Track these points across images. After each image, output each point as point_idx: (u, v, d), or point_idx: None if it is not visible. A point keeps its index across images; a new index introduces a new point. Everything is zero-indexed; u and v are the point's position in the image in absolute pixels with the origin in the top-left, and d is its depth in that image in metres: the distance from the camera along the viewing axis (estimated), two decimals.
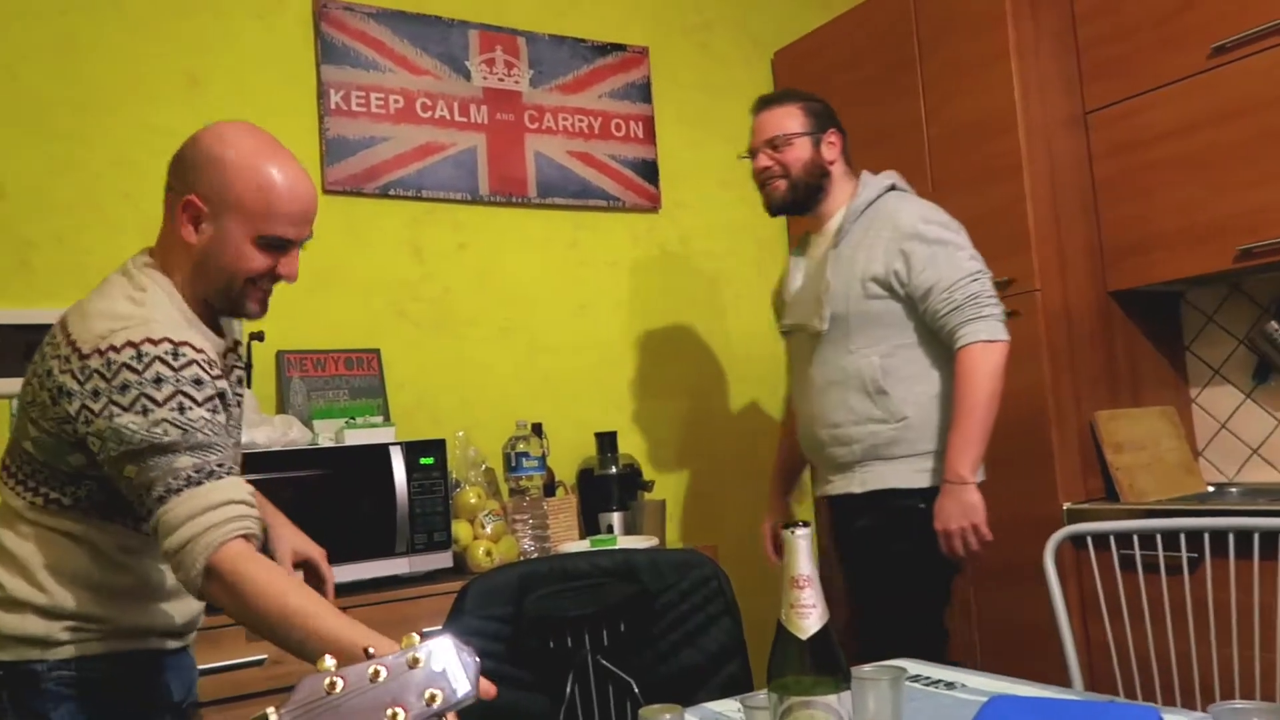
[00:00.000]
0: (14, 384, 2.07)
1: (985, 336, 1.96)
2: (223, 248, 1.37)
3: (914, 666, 1.44)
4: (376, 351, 2.55)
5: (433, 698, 0.82)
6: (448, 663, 0.85)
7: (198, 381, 1.29)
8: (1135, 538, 1.81)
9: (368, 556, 2.06)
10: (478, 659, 0.87)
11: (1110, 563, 1.91)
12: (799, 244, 2.31)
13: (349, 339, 2.55)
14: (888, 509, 2.03)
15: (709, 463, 3.07)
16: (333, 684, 0.80)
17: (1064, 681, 1.67)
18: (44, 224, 2.24)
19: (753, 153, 2.20)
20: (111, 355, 1.28)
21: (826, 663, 0.92)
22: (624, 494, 2.61)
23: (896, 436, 2.03)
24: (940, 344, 2.05)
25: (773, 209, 2.22)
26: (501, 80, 2.84)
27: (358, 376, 2.47)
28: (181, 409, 1.27)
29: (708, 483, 3.06)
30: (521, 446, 2.46)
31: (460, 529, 2.29)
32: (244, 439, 2.01)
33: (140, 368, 1.27)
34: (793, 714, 0.91)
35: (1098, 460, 2.49)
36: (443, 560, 2.14)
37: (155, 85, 2.39)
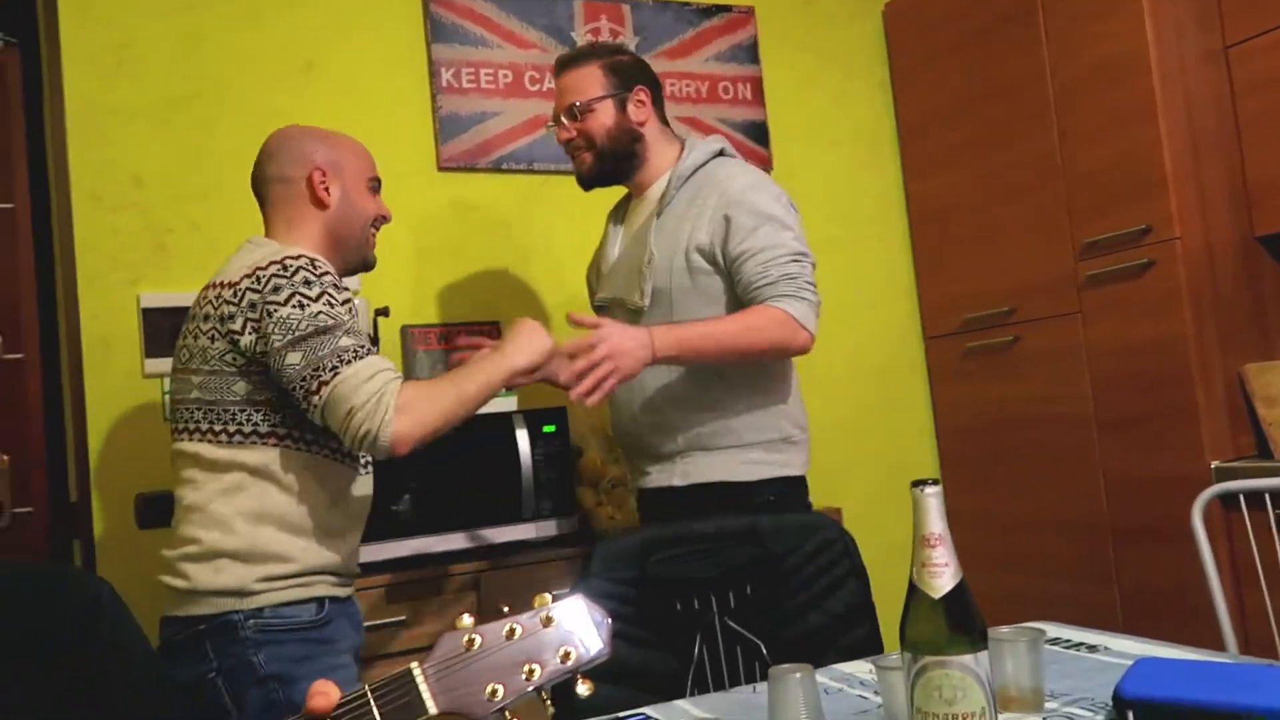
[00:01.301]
0: (161, 364, 2.20)
1: (794, 313, 1.75)
2: (350, 199, 1.67)
3: (1053, 629, 1.40)
4: (496, 323, 2.60)
5: (567, 655, 0.84)
6: (579, 622, 0.86)
7: (337, 287, 1.51)
8: None
9: (495, 522, 2.11)
10: (609, 619, 0.88)
11: (1266, 522, 1.80)
12: (615, 211, 2.10)
13: (469, 312, 2.60)
14: (711, 504, 1.81)
15: (830, 426, 3.02)
16: (471, 641, 0.83)
17: (1214, 645, 1.59)
18: (179, 211, 2.36)
19: (555, 121, 1.97)
20: (259, 273, 1.48)
21: (962, 622, 0.90)
22: None
23: (723, 426, 1.85)
24: None
25: (583, 183, 1.99)
26: None
27: (478, 331, 2.53)
28: (331, 304, 1.48)
29: (829, 446, 3.01)
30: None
31: (584, 494, 2.33)
32: None
33: (288, 274, 1.47)
34: (927, 674, 0.89)
35: (1248, 415, 2.35)
36: (568, 526, 2.18)
37: (273, 72, 2.48)
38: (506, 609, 0.86)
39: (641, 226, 1.96)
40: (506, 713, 0.82)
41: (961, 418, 3.04)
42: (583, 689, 0.84)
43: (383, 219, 1.75)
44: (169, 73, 2.38)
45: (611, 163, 1.95)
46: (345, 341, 1.46)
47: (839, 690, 1.23)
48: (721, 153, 1.96)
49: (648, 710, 1.20)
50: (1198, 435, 2.31)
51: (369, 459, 1.66)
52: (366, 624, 1.92)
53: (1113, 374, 2.52)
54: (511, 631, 0.84)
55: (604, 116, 1.92)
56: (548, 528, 2.15)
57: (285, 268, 1.48)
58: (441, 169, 2.62)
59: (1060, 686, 1.15)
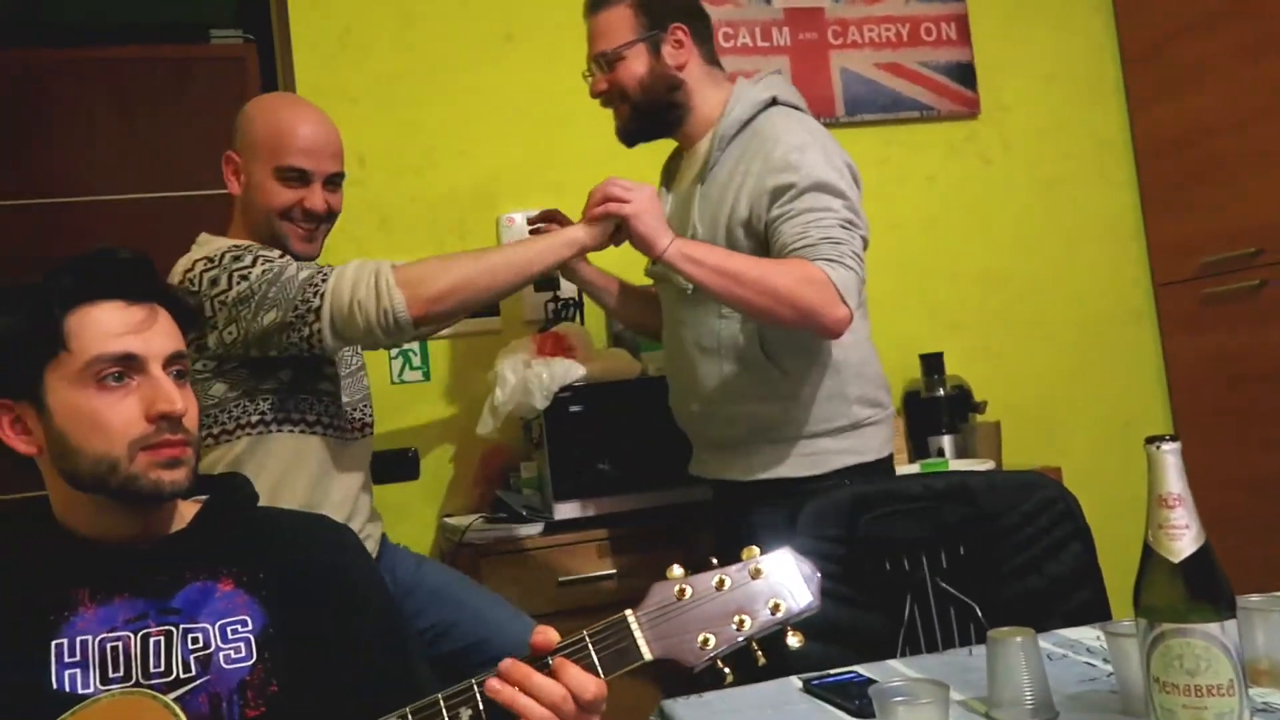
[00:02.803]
0: None
1: (834, 278, 1.49)
2: (253, 189, 1.59)
3: None
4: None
5: (777, 606, 0.85)
6: (788, 575, 0.86)
7: (265, 248, 1.52)
8: None
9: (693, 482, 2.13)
10: (818, 572, 0.88)
11: None
12: (666, 168, 1.89)
13: None
14: (783, 503, 1.58)
15: (1047, 382, 2.86)
16: (682, 591, 0.85)
17: None
18: (397, 187, 2.50)
19: (588, 72, 1.77)
20: (190, 277, 1.50)
21: (1205, 588, 0.83)
22: (954, 417, 2.51)
23: (784, 415, 1.66)
24: None
25: (623, 138, 1.79)
26: None
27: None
28: (269, 261, 1.49)
29: (1047, 403, 2.86)
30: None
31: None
32: (580, 372, 2.14)
33: (216, 263, 1.49)
34: (1165, 642, 0.83)
35: None
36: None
37: (477, 47, 2.57)
38: (715, 560, 0.88)
39: (686, 192, 1.76)
40: (718, 661, 0.84)
41: (1199, 370, 2.79)
42: (794, 640, 0.85)
43: (304, 212, 1.60)
44: (386, 53, 2.52)
45: (649, 116, 1.73)
46: (304, 274, 1.47)
47: (1063, 656, 1.18)
48: (774, 101, 1.70)
49: (860, 668, 1.19)
50: None
51: (359, 418, 1.69)
52: (583, 576, 2.01)
53: None
54: (721, 582, 0.85)
55: (635, 64, 1.70)
56: None
57: (211, 260, 1.50)
58: None
59: None
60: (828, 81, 2.75)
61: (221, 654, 0.92)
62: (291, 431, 1.57)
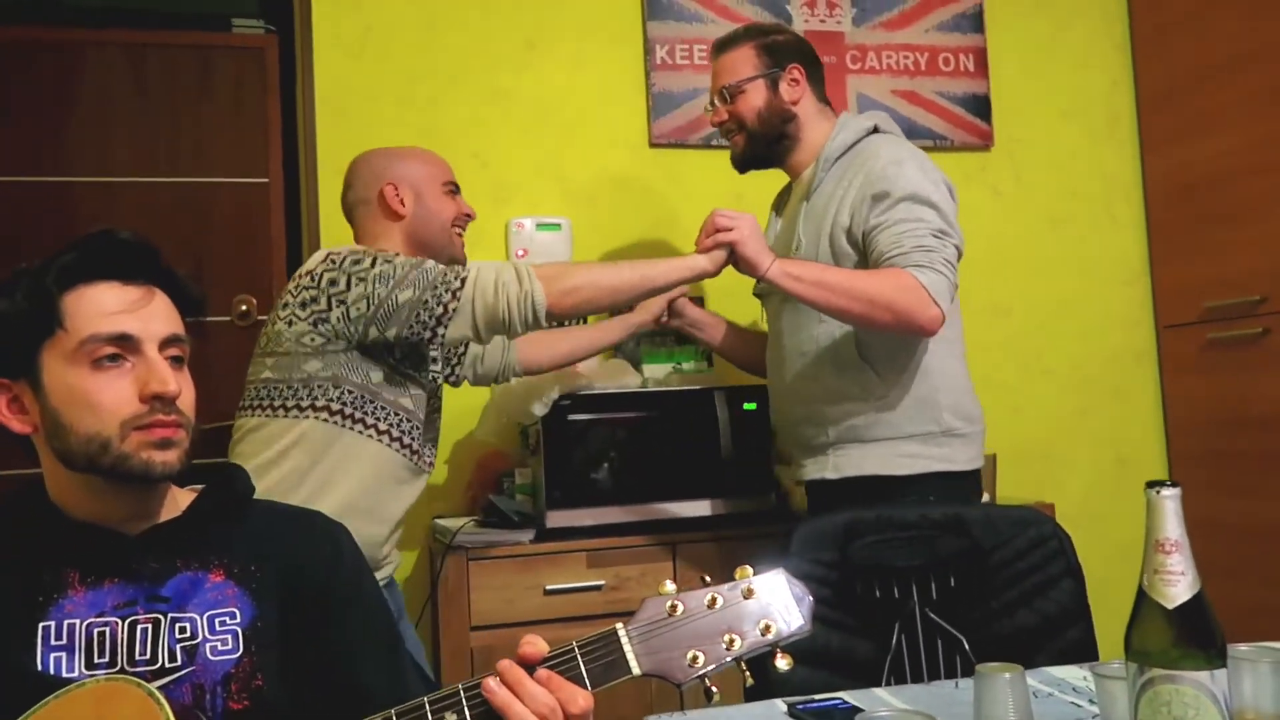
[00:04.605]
0: None
1: (925, 282, 1.62)
2: (426, 206, 1.80)
3: None
4: (700, 299, 2.62)
5: (767, 628, 0.84)
6: (780, 596, 0.86)
7: (412, 257, 1.66)
8: None
9: (692, 496, 2.13)
10: (809, 596, 0.87)
11: None
12: (778, 200, 2.07)
13: None
14: (867, 499, 1.73)
15: (1046, 417, 2.86)
16: (674, 607, 0.85)
17: None
18: None
19: (710, 105, 1.95)
20: (333, 257, 1.64)
21: (1198, 635, 0.83)
22: None
23: (875, 418, 1.77)
24: None
25: (737, 165, 1.98)
26: (823, 21, 2.77)
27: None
28: (415, 258, 1.64)
29: (1044, 438, 2.86)
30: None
31: (782, 473, 2.32)
32: (581, 381, 2.15)
33: (362, 253, 1.64)
34: (1155, 687, 0.83)
35: None
36: (765, 503, 2.17)
37: (497, 50, 2.58)
38: (708, 579, 0.87)
39: (792, 213, 1.92)
40: (706, 680, 0.83)
41: (1198, 414, 2.79)
42: (782, 663, 0.84)
43: (466, 217, 1.85)
44: (406, 54, 2.53)
45: (763, 145, 1.92)
46: (443, 266, 1.61)
47: (1049, 695, 1.17)
48: (876, 129, 1.87)
49: (846, 695, 1.19)
50: None
51: (428, 456, 1.78)
52: (569, 585, 2.01)
53: None
54: (713, 600, 0.85)
55: (754, 98, 1.89)
56: (744, 504, 2.15)
57: (357, 250, 1.64)
58: (653, 145, 2.65)
59: None
60: (844, 105, 2.76)
61: (208, 645, 0.92)
62: (361, 433, 1.65)
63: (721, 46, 1.95)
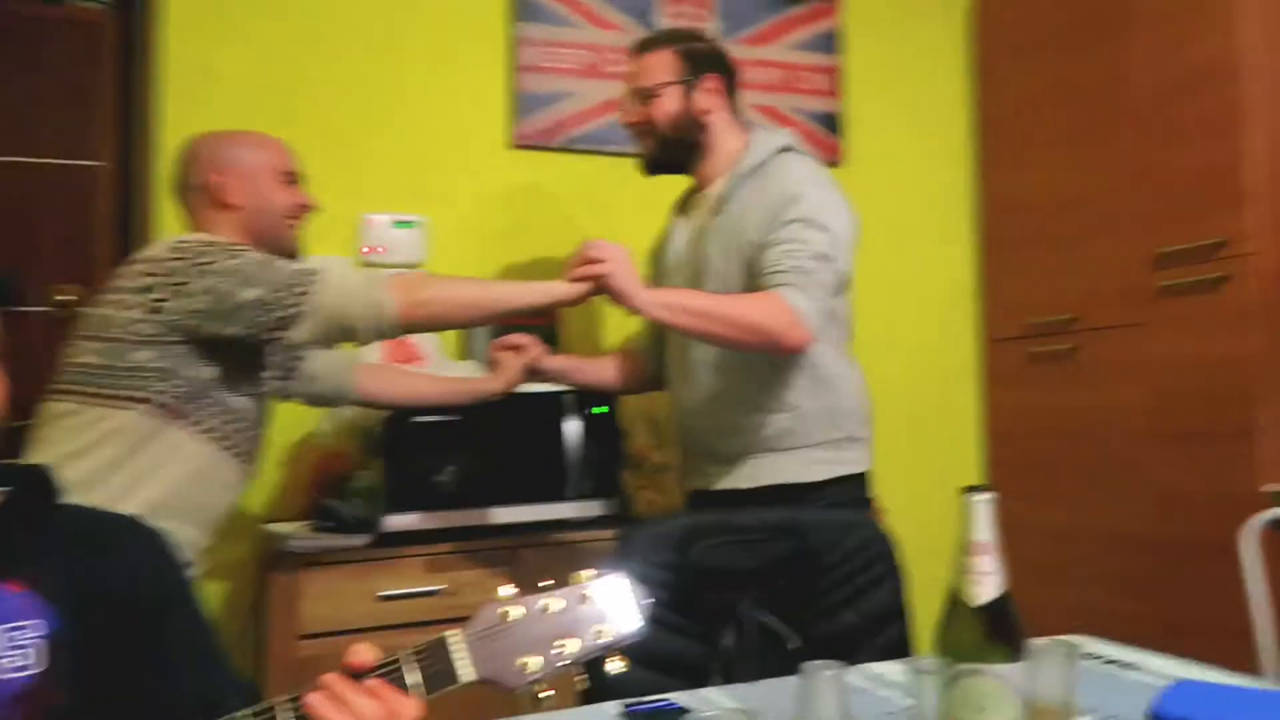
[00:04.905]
0: None
1: (796, 305, 1.67)
2: (261, 196, 1.72)
3: (1090, 644, 1.38)
4: (553, 326, 2.60)
5: (602, 632, 0.86)
6: (617, 601, 0.88)
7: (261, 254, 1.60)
8: None
9: (538, 499, 2.13)
10: (646, 599, 0.89)
11: None
12: (680, 203, 2.07)
13: None
14: (777, 505, 1.77)
15: (878, 425, 2.99)
16: (508, 613, 0.85)
17: (1253, 672, 1.56)
18: None
19: (624, 105, 1.96)
20: (182, 245, 1.58)
21: (1001, 632, 0.89)
22: None
23: (788, 428, 1.83)
24: (834, 324, 1.85)
25: (645, 168, 1.98)
26: None
27: (538, 326, 2.52)
28: (263, 255, 1.58)
29: (878, 445, 2.99)
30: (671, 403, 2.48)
31: (626, 478, 2.34)
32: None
33: (211, 243, 1.58)
34: (961, 681, 0.89)
35: None
36: (610, 507, 2.19)
37: (356, 42, 2.52)
38: (547, 584, 0.88)
39: (701, 226, 1.93)
40: (539, 684, 0.84)
41: (1016, 424, 2.99)
42: (616, 666, 0.86)
43: (301, 209, 1.79)
44: (261, 37, 2.43)
45: (674, 150, 1.92)
46: (294, 266, 1.57)
47: (868, 690, 1.23)
48: (787, 148, 1.90)
49: (676, 696, 1.22)
50: (1253, 457, 2.25)
51: (255, 462, 1.74)
52: (405, 590, 1.97)
53: (1174, 389, 2.46)
54: (549, 606, 0.86)
55: (669, 103, 1.89)
56: (590, 508, 2.16)
57: (206, 241, 1.60)
58: (515, 146, 2.64)
59: (1093, 703, 1.13)
60: None
61: (2, 660, 0.85)
62: (186, 430, 1.58)
63: (641, 48, 1.95)
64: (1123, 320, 2.60)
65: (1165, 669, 1.26)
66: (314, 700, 0.78)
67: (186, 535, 1.60)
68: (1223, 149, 2.33)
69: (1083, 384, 2.72)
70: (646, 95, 1.90)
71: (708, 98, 1.91)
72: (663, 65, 1.90)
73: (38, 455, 1.55)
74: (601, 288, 1.66)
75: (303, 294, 1.52)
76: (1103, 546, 2.62)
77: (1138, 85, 2.56)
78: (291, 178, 1.79)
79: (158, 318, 1.54)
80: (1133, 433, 2.55)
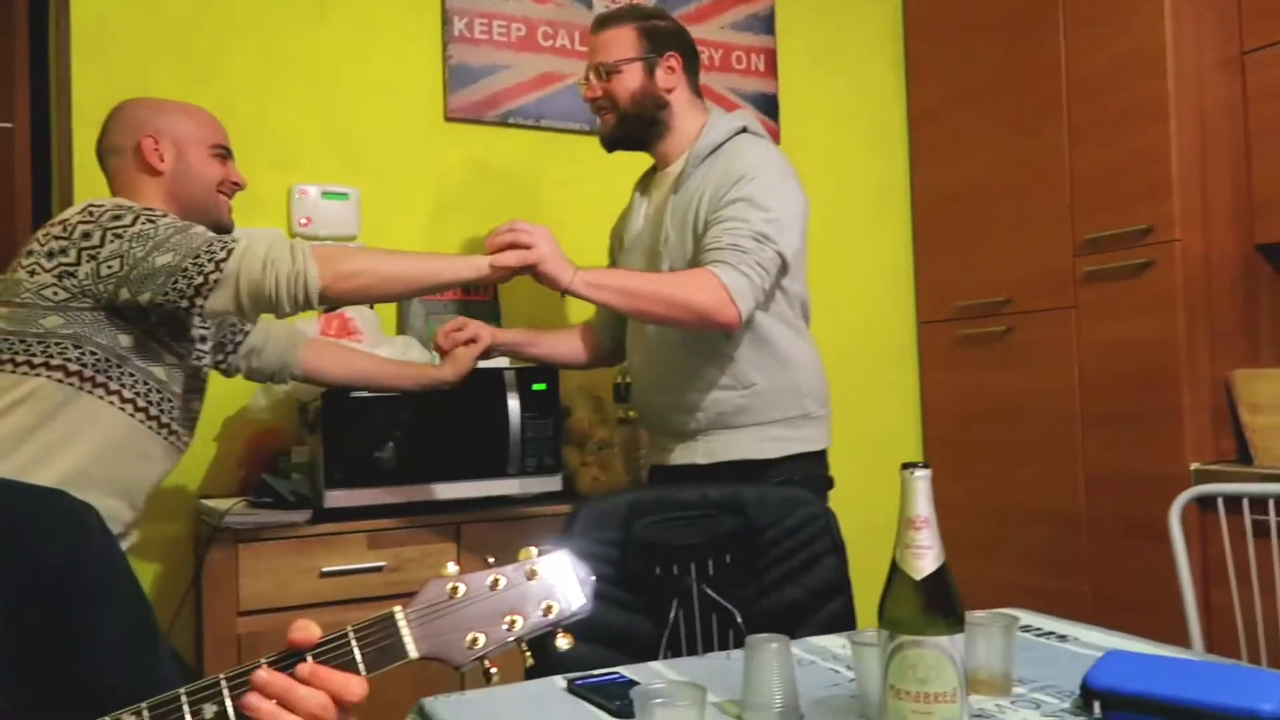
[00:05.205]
0: None
1: (727, 283, 1.68)
2: (188, 165, 1.69)
3: (1026, 617, 1.41)
4: (496, 299, 2.58)
5: (549, 608, 0.85)
6: (563, 578, 0.87)
7: (180, 220, 1.55)
8: (1271, 502, 1.72)
9: (480, 476, 2.11)
10: (592, 576, 0.89)
11: (1241, 526, 1.83)
12: (642, 181, 2.07)
13: None
14: (733, 482, 1.75)
15: None
16: (455, 589, 0.83)
17: (1181, 643, 1.62)
18: None
19: (585, 79, 1.95)
20: (93, 209, 1.53)
21: (940, 604, 0.91)
22: None
23: (744, 405, 1.85)
24: (789, 305, 1.88)
25: (605, 144, 1.97)
26: None
27: (475, 302, 2.51)
28: (180, 219, 1.54)
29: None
30: (630, 378, 2.48)
31: (570, 454, 2.34)
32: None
33: (126, 208, 1.53)
34: (902, 652, 0.91)
35: (1231, 421, 2.37)
36: (552, 484, 2.18)
37: (286, 9, 2.45)
38: (492, 560, 0.87)
39: (660, 203, 1.94)
40: (485, 661, 0.83)
41: (950, 404, 3.06)
42: (562, 642, 0.85)
43: (234, 185, 1.76)
44: (182, 3, 2.34)
45: (634, 127, 1.92)
46: (211, 234, 1.53)
47: (811, 662, 1.25)
48: (744, 130, 1.90)
49: (623, 669, 1.22)
50: (1180, 436, 2.33)
51: (184, 435, 1.70)
52: (347, 567, 1.95)
53: (1102, 371, 2.53)
54: (495, 582, 0.85)
55: (630, 79, 1.89)
56: (532, 484, 2.15)
57: (121, 205, 1.54)
58: (449, 119, 2.60)
59: (1030, 673, 1.17)
60: None
61: None
62: (102, 397, 1.54)
63: (602, 23, 1.94)
64: (1052, 304, 2.66)
65: (1098, 641, 1.30)
66: (253, 701, 0.75)
67: (107, 507, 1.54)
68: (1151, 138, 2.40)
69: (1014, 366, 2.79)
70: (608, 71, 1.90)
71: (668, 76, 1.91)
72: (624, 41, 1.90)
73: None
74: (528, 270, 1.65)
75: (219, 261, 1.48)
76: (1036, 525, 2.70)
77: (1068, 76, 2.62)
78: (223, 152, 1.75)
79: (68, 283, 1.49)
80: (1063, 414, 2.62)
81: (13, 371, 1.50)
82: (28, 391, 1.49)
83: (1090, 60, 2.56)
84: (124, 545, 1.64)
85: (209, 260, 1.48)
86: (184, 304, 1.49)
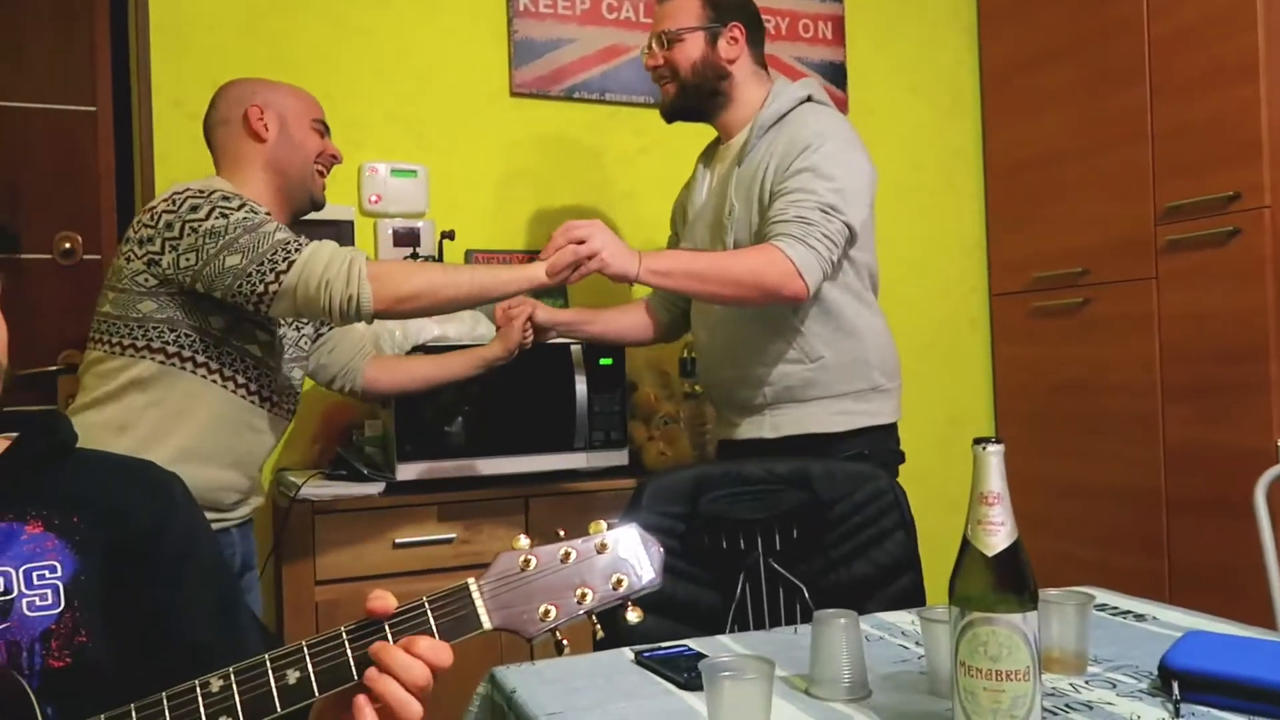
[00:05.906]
0: None
1: (794, 257, 1.66)
2: (290, 135, 1.73)
3: (1102, 595, 1.39)
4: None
5: (619, 582, 0.86)
6: (633, 551, 0.87)
7: (255, 210, 1.56)
8: None
9: (547, 450, 2.14)
10: (662, 550, 0.89)
11: None
12: (705, 153, 2.04)
13: (534, 240, 2.61)
14: (801, 455, 1.74)
15: None
16: (527, 561, 0.85)
17: (1265, 624, 1.57)
18: None
19: (647, 47, 1.93)
20: (175, 197, 1.56)
21: (1013, 581, 0.90)
22: None
23: (812, 378, 1.82)
24: (857, 275, 1.84)
25: (665, 114, 1.95)
26: None
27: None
28: (254, 211, 1.56)
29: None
30: (696, 352, 2.47)
31: (635, 429, 2.35)
32: (436, 332, 2.12)
33: (205, 195, 1.55)
34: (974, 629, 0.89)
35: None
36: (618, 458, 2.20)
37: None
38: (562, 533, 0.88)
39: (724, 175, 1.91)
40: (556, 633, 0.84)
41: (1023, 378, 2.99)
42: (632, 616, 0.86)
43: (332, 159, 1.81)
44: None
45: (694, 97, 1.89)
46: (280, 235, 1.54)
47: (880, 638, 1.25)
48: (809, 99, 1.87)
49: (690, 642, 1.23)
50: (1268, 411, 2.25)
51: (287, 404, 1.76)
52: (421, 539, 1.99)
53: (1184, 343, 2.45)
54: (566, 555, 0.86)
55: (692, 48, 1.87)
56: (598, 459, 2.17)
57: (201, 192, 1.56)
58: (514, 94, 2.61)
59: (1105, 652, 1.15)
60: None
61: (25, 600, 0.86)
62: (204, 377, 1.60)
63: None
64: (1132, 274, 2.58)
65: (1177, 620, 1.27)
66: (373, 675, 0.77)
67: (225, 479, 1.65)
68: (1239, 98, 2.30)
69: (1091, 338, 2.72)
70: (670, 39, 1.88)
71: (731, 46, 1.88)
72: (687, 10, 1.88)
73: (77, 400, 1.59)
74: (591, 269, 1.64)
75: (280, 273, 1.50)
76: (1113, 501, 2.63)
77: (1150, 32, 2.52)
78: (322, 127, 1.80)
79: (155, 270, 1.55)
80: (1143, 388, 2.54)
81: (121, 354, 1.57)
82: (137, 373, 1.56)
83: (1174, 15, 2.46)
84: (244, 512, 1.73)
85: (270, 270, 1.50)
86: (249, 307, 1.54)
